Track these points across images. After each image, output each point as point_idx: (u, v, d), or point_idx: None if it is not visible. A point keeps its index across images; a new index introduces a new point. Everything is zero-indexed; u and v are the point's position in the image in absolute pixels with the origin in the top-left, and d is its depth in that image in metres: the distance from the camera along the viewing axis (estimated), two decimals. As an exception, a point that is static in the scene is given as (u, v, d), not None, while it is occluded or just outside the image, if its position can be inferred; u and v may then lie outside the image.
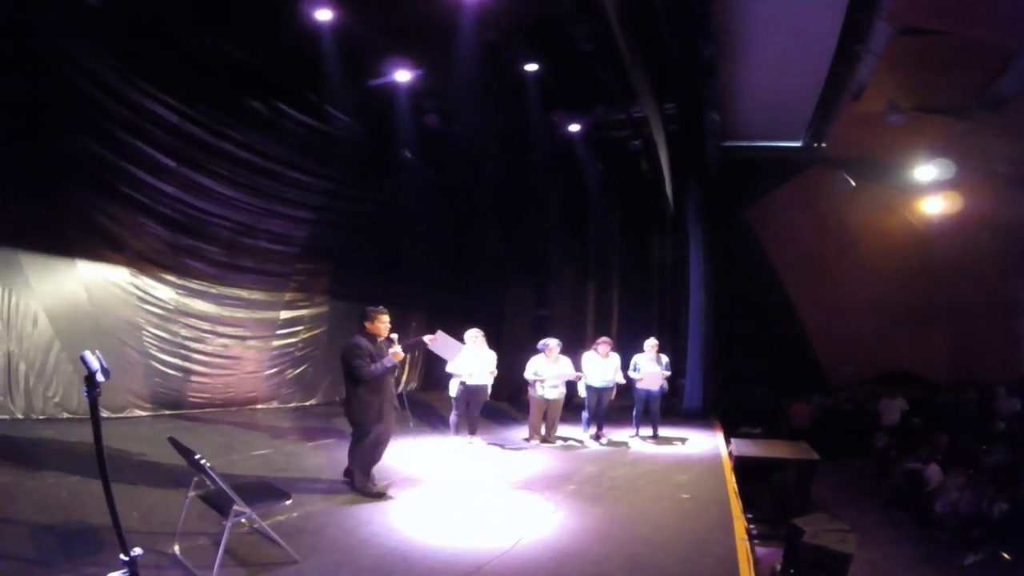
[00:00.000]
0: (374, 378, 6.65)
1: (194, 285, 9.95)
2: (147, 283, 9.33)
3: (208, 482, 4.64)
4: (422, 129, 12.45)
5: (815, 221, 17.01)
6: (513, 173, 14.43)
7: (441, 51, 9.92)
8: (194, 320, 9.98)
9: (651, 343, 11.25)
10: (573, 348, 11.04)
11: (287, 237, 11.25)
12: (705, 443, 11.28)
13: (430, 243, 14.42)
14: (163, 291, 9.54)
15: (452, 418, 10.08)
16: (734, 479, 8.74)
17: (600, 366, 10.63)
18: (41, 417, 7.98)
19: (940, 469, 11.44)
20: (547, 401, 10.37)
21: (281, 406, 11.44)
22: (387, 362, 6.72)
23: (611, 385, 10.72)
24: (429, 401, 13.24)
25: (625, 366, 10.98)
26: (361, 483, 6.86)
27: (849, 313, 17.07)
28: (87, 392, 3.24)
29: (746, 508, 7.74)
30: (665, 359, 11.34)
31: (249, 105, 10.04)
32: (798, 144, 15.85)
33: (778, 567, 7.90)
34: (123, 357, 8.93)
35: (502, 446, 10.23)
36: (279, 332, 11.45)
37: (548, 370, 10.28)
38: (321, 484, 7.12)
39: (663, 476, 8.62)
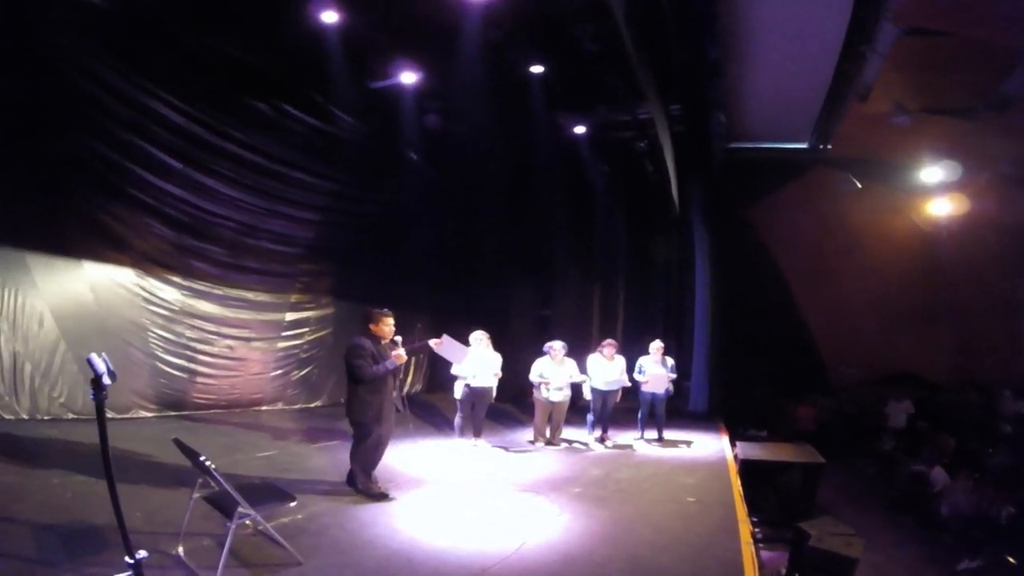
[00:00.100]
0: (374, 379, 6.67)
1: (199, 286, 9.98)
2: (152, 284, 9.36)
3: (212, 483, 4.64)
4: (426, 130, 12.44)
5: (820, 222, 16.96)
6: (518, 174, 14.41)
7: (446, 52, 9.91)
8: (199, 321, 10.00)
9: (656, 345, 11.23)
10: (578, 350, 11.01)
11: (291, 238, 11.26)
12: (710, 446, 11.26)
13: (435, 244, 14.41)
14: (168, 292, 9.56)
15: (457, 420, 10.06)
16: (739, 482, 8.72)
17: (605, 368, 10.61)
18: (46, 417, 8.01)
19: (945, 472, 11.41)
20: (552, 403, 10.35)
21: (286, 407, 11.45)
22: (389, 364, 6.74)
23: (616, 387, 10.69)
24: (433, 403, 13.23)
25: (630, 368, 10.95)
26: (363, 484, 6.87)
27: (853, 314, 17.02)
28: (93, 395, 3.23)
29: (751, 511, 7.72)
30: (671, 361, 11.32)
31: (253, 106, 10.06)
32: (803, 145, 15.79)
33: (783, 571, 7.90)
34: (128, 358, 8.95)
35: (507, 448, 10.21)
36: (284, 334, 11.46)
37: (553, 372, 10.26)
38: (325, 486, 7.12)
39: (668, 479, 8.61)
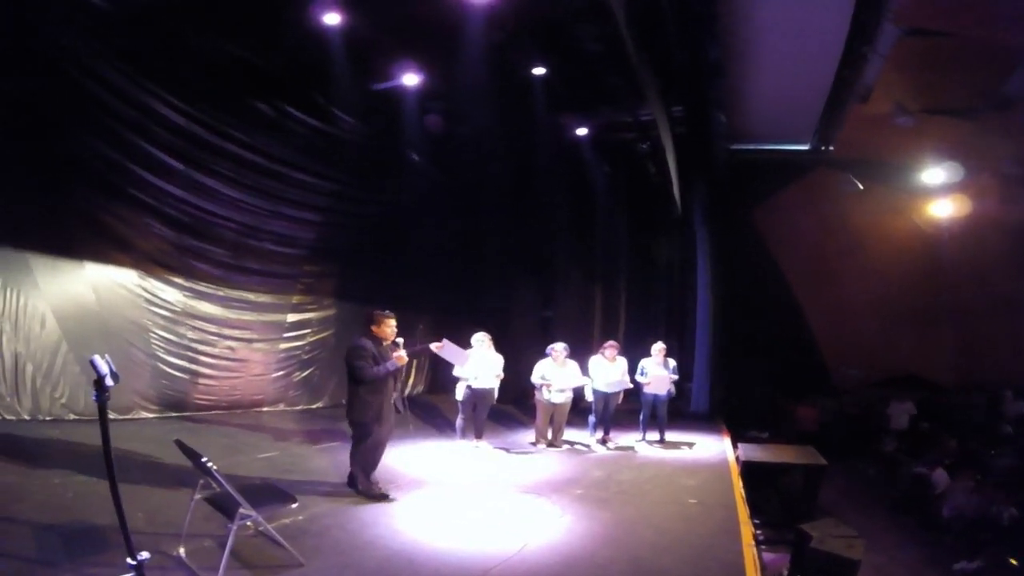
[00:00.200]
0: (375, 380, 6.69)
1: (201, 287, 9.98)
2: (154, 285, 9.36)
3: (214, 484, 4.63)
4: (429, 131, 12.44)
5: (822, 223, 16.95)
6: (519, 175, 14.42)
7: (448, 53, 9.91)
8: (201, 322, 10.00)
9: (658, 347, 11.23)
10: (580, 351, 11.01)
11: (293, 239, 11.26)
12: (712, 447, 11.26)
13: (436, 245, 14.40)
14: (170, 293, 9.56)
15: (458, 421, 10.06)
16: (741, 484, 8.71)
17: (607, 370, 10.61)
18: (48, 418, 8.01)
19: (947, 473, 11.39)
20: (554, 405, 10.35)
21: (287, 408, 11.45)
22: (390, 365, 6.77)
23: (618, 389, 10.68)
24: (435, 404, 13.23)
25: (632, 370, 10.95)
26: (364, 485, 6.88)
27: (855, 315, 16.99)
28: (96, 396, 3.23)
29: (753, 513, 7.72)
30: (672, 363, 11.32)
31: (255, 106, 10.05)
32: (805, 146, 15.82)
33: (785, 572, 7.88)
34: (130, 359, 8.95)
35: (508, 450, 10.21)
36: (286, 335, 11.46)
37: (555, 374, 10.25)
38: (327, 487, 7.11)
39: (670, 480, 8.60)
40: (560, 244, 16.00)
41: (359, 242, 12.37)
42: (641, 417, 11.34)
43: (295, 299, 11.60)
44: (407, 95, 11.33)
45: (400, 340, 7.02)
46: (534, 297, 15.87)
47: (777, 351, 17.21)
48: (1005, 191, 14.06)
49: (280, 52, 9.79)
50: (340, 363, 7.18)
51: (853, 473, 14.03)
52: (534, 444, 10.58)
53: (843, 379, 17.52)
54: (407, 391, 13.61)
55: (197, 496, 4.92)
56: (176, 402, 9.70)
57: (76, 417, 8.20)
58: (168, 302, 9.54)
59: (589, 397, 10.73)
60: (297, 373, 11.69)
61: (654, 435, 11.34)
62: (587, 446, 10.67)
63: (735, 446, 11.28)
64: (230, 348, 10.46)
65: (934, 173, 14.17)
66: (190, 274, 9.82)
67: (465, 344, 9.84)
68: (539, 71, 10.97)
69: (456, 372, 9.68)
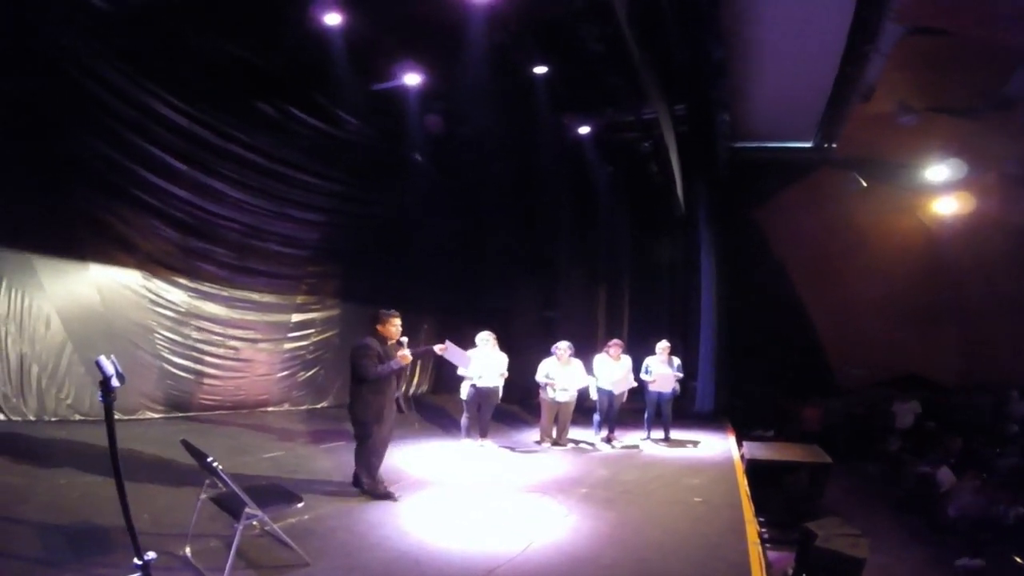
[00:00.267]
0: (378, 378, 6.72)
1: (205, 288, 9.98)
2: (159, 286, 9.36)
3: (220, 484, 4.64)
4: (431, 132, 12.44)
5: (825, 222, 16.90)
6: (522, 175, 14.42)
7: (450, 53, 9.91)
8: (206, 323, 10.01)
9: (663, 345, 11.23)
10: (584, 350, 11.01)
11: (297, 240, 11.27)
12: (717, 446, 11.25)
13: (440, 245, 14.40)
14: (175, 294, 9.56)
15: (463, 421, 10.08)
16: (746, 482, 8.70)
17: (611, 368, 10.61)
18: (53, 419, 8.01)
19: (951, 472, 11.36)
20: (558, 404, 10.36)
21: (292, 409, 11.45)
22: (394, 364, 6.81)
23: (624, 389, 10.69)
24: (440, 404, 13.24)
25: (636, 368, 10.95)
26: (369, 485, 6.89)
27: (859, 314, 16.94)
28: (102, 397, 3.24)
29: (758, 511, 7.69)
30: (677, 361, 11.32)
31: (258, 107, 10.07)
32: (808, 145, 15.79)
33: (790, 571, 7.86)
34: (135, 359, 8.95)
35: (513, 449, 10.22)
36: (290, 335, 11.46)
37: (559, 373, 10.26)
38: (332, 487, 7.13)
39: (675, 479, 8.60)
40: (563, 244, 16.00)
41: (363, 243, 12.38)
42: (646, 416, 11.35)
43: (299, 299, 11.60)
44: (409, 96, 11.31)
45: (404, 339, 7.04)
46: (538, 297, 15.87)
47: (781, 350, 17.19)
48: (1008, 190, 14.02)
49: (282, 53, 9.79)
50: (344, 363, 7.20)
51: (858, 473, 14.00)
52: (539, 443, 10.59)
53: (848, 379, 17.48)
54: (412, 391, 13.61)
55: (203, 496, 4.93)
56: (181, 402, 9.71)
57: (81, 418, 8.20)
58: (173, 303, 9.55)
59: (594, 396, 10.73)
60: (301, 373, 11.70)
61: (659, 434, 11.34)
62: (592, 445, 10.68)
63: (740, 445, 11.27)
64: (235, 348, 10.46)
65: (937, 171, 14.13)
66: (194, 275, 9.82)
67: (469, 344, 9.86)
68: (541, 71, 10.96)
69: (461, 371, 9.69)
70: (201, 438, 6.87)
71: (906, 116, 12.42)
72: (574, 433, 10.89)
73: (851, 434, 15.70)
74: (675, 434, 11.51)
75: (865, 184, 15.32)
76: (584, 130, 13.45)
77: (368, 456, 6.88)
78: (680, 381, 11.41)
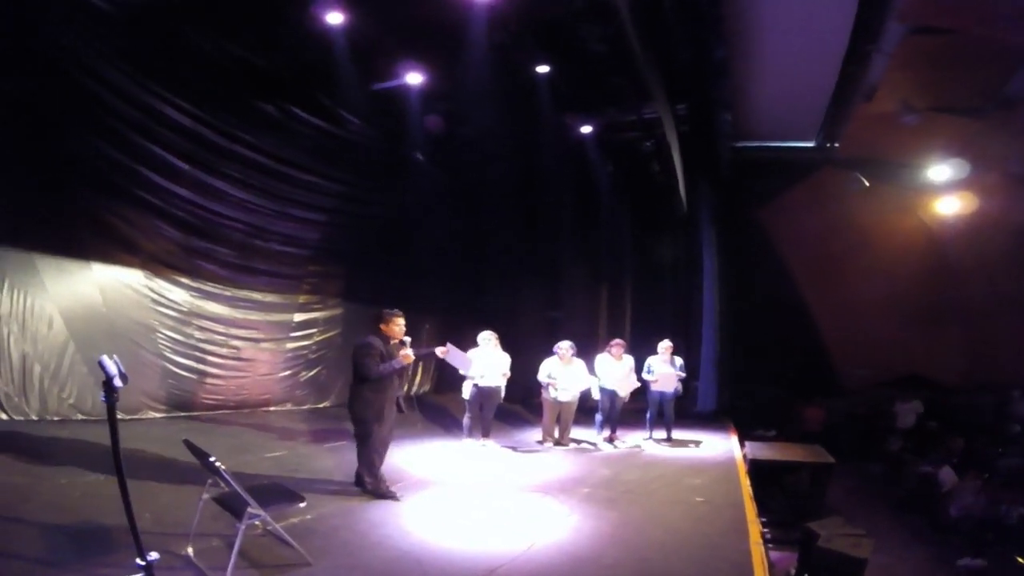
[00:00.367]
0: (380, 377, 6.73)
1: (208, 287, 9.99)
2: (161, 285, 9.37)
3: (222, 484, 4.65)
4: (434, 132, 12.44)
5: (827, 222, 16.88)
6: (524, 175, 14.43)
7: (452, 53, 9.92)
8: (208, 322, 10.02)
9: (665, 345, 11.23)
10: (586, 350, 11.01)
11: (300, 239, 11.28)
12: (719, 446, 11.25)
13: (442, 245, 14.42)
14: (177, 293, 9.57)
15: (465, 420, 10.08)
16: (748, 482, 8.70)
17: (613, 368, 10.61)
18: (55, 418, 8.02)
19: (953, 472, 11.35)
20: (560, 404, 10.36)
21: (294, 408, 11.47)
22: (396, 364, 6.81)
23: (629, 391, 10.70)
24: (442, 403, 13.24)
25: (639, 368, 10.95)
26: (371, 484, 6.89)
27: (862, 314, 16.92)
28: (104, 397, 3.24)
29: (760, 511, 7.69)
30: (679, 361, 11.32)
31: (260, 107, 10.07)
32: (811, 145, 15.78)
33: (792, 571, 7.85)
34: (137, 359, 8.96)
35: (515, 449, 10.23)
36: (293, 334, 11.47)
37: (561, 373, 10.26)
38: (334, 486, 7.13)
39: (677, 479, 8.60)
40: (565, 243, 16.00)
41: (365, 242, 12.39)
42: (648, 415, 11.35)
43: (301, 299, 11.61)
44: (412, 96, 11.33)
45: (408, 339, 7.05)
46: (540, 296, 15.86)
47: (783, 350, 17.17)
48: (1011, 190, 14.00)
49: (284, 53, 9.82)
50: (347, 362, 7.20)
51: (860, 472, 13.98)
52: (541, 443, 10.59)
53: (850, 379, 17.47)
54: (414, 390, 13.61)
55: (205, 496, 4.93)
56: (183, 402, 9.72)
57: (84, 417, 8.22)
58: (175, 302, 9.55)
59: (596, 396, 10.73)
60: (304, 373, 11.70)
61: (661, 433, 11.33)
62: (594, 445, 10.68)
63: (742, 444, 11.26)
64: (237, 348, 10.47)
65: (940, 170, 14.10)
66: (197, 274, 9.83)
67: (471, 344, 9.87)
68: (543, 70, 10.96)
69: (463, 369, 9.68)
70: (203, 437, 6.87)
71: (908, 116, 12.40)
72: (576, 433, 10.88)
73: (853, 434, 15.66)
74: (677, 434, 11.51)
75: (867, 184, 15.29)
76: (586, 130, 13.45)
77: (369, 455, 6.88)
78: (682, 381, 11.41)
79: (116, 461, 3.34)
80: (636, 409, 11.62)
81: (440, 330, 14.43)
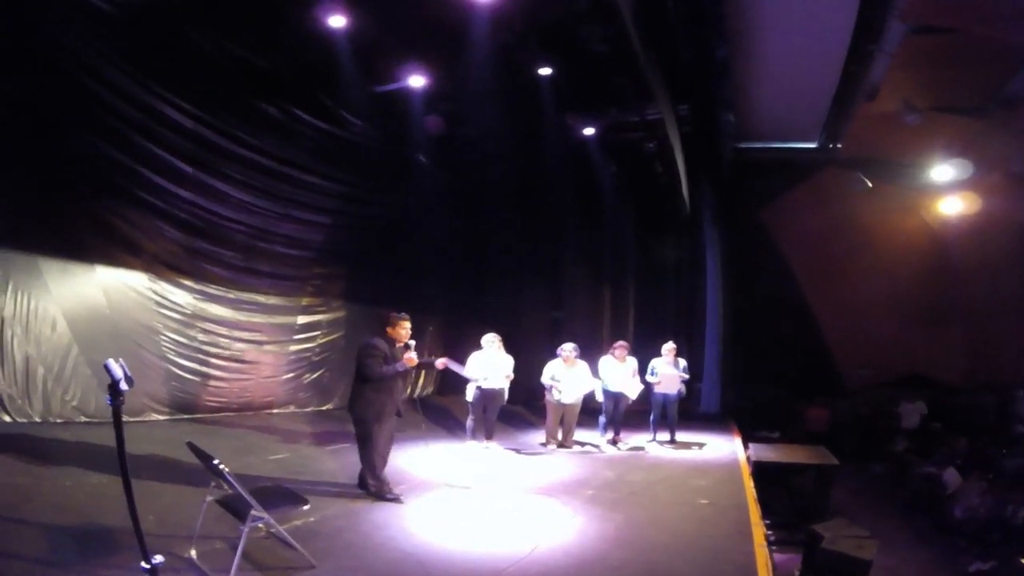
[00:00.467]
0: (382, 378, 6.73)
1: (211, 290, 9.98)
2: (164, 288, 9.36)
3: (225, 486, 4.64)
4: (436, 132, 12.44)
5: (831, 222, 16.88)
6: (527, 176, 14.41)
7: (454, 54, 9.91)
8: (211, 324, 10.01)
9: (669, 347, 11.23)
10: (589, 352, 10.99)
11: (303, 241, 11.27)
12: (723, 447, 11.24)
13: (444, 246, 14.43)
14: (180, 295, 9.56)
15: (468, 422, 10.07)
16: (752, 484, 8.68)
17: (617, 370, 10.59)
18: (58, 420, 8.01)
19: (958, 473, 11.33)
20: (564, 406, 10.34)
21: (298, 410, 11.45)
22: (399, 366, 6.82)
23: (635, 394, 10.69)
24: (445, 405, 13.23)
25: (642, 370, 10.94)
26: (374, 486, 6.89)
27: (865, 315, 16.93)
28: (110, 400, 3.23)
29: (764, 513, 7.68)
30: (683, 362, 11.32)
31: (263, 109, 10.07)
32: (813, 145, 15.77)
33: (796, 573, 7.84)
34: (141, 361, 8.94)
35: (519, 451, 10.22)
36: (296, 337, 11.46)
37: (565, 375, 10.24)
38: (337, 488, 7.13)
39: (681, 481, 8.59)
40: (568, 244, 16.00)
41: (368, 244, 12.38)
42: (652, 417, 11.34)
43: (305, 301, 11.60)
44: (414, 97, 11.31)
45: (412, 343, 7.04)
46: (543, 297, 15.86)
47: (786, 351, 17.18)
48: (1013, 190, 13.99)
49: (286, 54, 9.81)
50: (350, 365, 7.20)
51: (864, 474, 13.97)
52: (544, 445, 10.58)
53: (853, 379, 17.46)
54: (417, 392, 13.60)
55: (208, 498, 4.92)
56: (187, 404, 9.71)
57: (87, 419, 8.20)
58: (178, 304, 9.55)
59: (599, 398, 10.71)
60: (307, 375, 11.69)
61: (665, 435, 11.33)
62: (597, 447, 10.66)
63: (746, 446, 11.25)
64: (240, 350, 10.45)
65: (942, 170, 14.08)
66: (200, 277, 9.83)
67: (474, 345, 9.86)
68: (545, 71, 10.95)
69: (466, 373, 9.68)
70: (206, 440, 6.87)
71: (911, 115, 12.39)
72: (580, 435, 10.86)
73: (857, 435, 15.66)
74: (681, 436, 11.50)
75: (870, 184, 15.28)
76: (588, 130, 13.42)
77: (371, 457, 6.87)
78: (686, 382, 11.39)
79: (121, 464, 3.33)
80: (639, 411, 11.60)
81: (443, 331, 14.44)
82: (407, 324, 7.05)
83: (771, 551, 6.65)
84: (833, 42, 10.99)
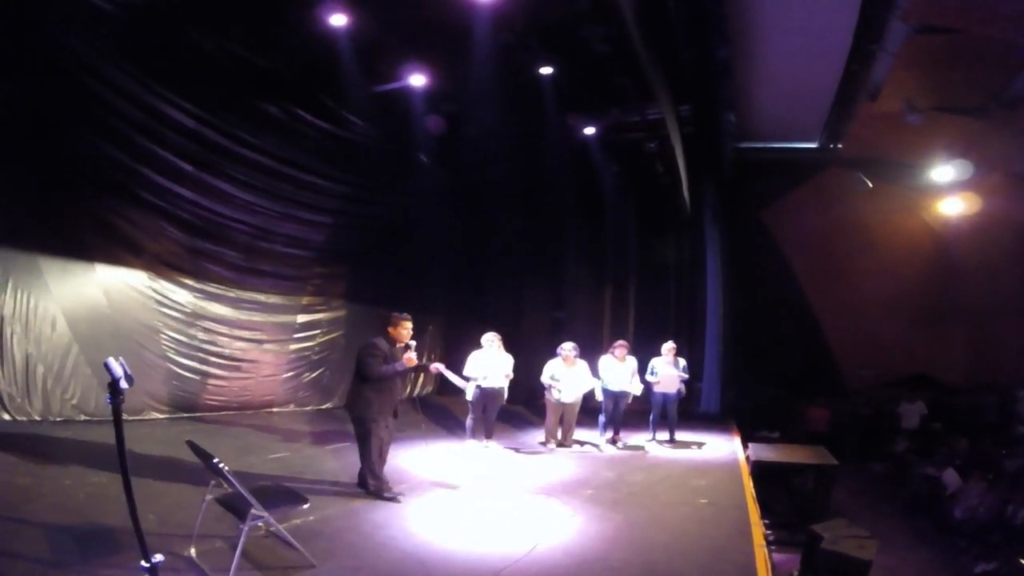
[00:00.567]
0: (381, 378, 6.73)
1: (212, 289, 10.01)
2: (165, 287, 9.39)
3: (225, 485, 4.64)
4: (437, 132, 12.44)
5: (832, 222, 16.87)
6: (528, 175, 14.40)
7: (456, 54, 9.91)
8: (212, 324, 10.03)
9: (669, 346, 11.22)
10: (590, 351, 10.98)
11: (304, 241, 11.28)
12: (722, 447, 11.23)
13: (446, 246, 14.44)
14: (181, 295, 9.59)
15: (468, 422, 10.06)
16: (752, 484, 8.68)
17: (617, 369, 10.59)
18: (59, 419, 8.04)
19: (957, 474, 11.33)
20: (563, 405, 10.33)
21: (298, 409, 11.47)
22: (398, 366, 6.82)
23: (629, 393, 10.68)
24: (445, 405, 13.23)
25: (642, 370, 10.93)
26: (374, 485, 6.89)
27: (867, 315, 16.91)
28: (110, 399, 3.23)
29: (764, 513, 7.68)
30: (683, 362, 11.31)
31: (265, 109, 10.06)
32: (814, 145, 15.75)
33: (796, 573, 7.85)
34: (141, 360, 8.97)
35: (518, 450, 10.21)
36: (296, 336, 11.48)
37: (565, 374, 10.23)
38: (338, 488, 7.13)
39: (681, 481, 8.58)
40: (569, 244, 15.98)
41: (369, 243, 12.40)
42: (651, 417, 11.33)
43: (305, 300, 11.62)
44: (416, 97, 11.31)
45: (413, 343, 7.04)
46: (543, 297, 15.86)
47: (787, 351, 17.17)
48: (1014, 190, 13.98)
49: (287, 54, 9.81)
50: (350, 364, 7.21)
51: (864, 474, 13.98)
52: (544, 444, 10.57)
53: (854, 379, 17.45)
54: (417, 391, 13.60)
55: (208, 497, 4.92)
56: (187, 403, 9.73)
57: (87, 418, 8.23)
58: (179, 304, 9.57)
59: (599, 397, 10.71)
60: (307, 374, 11.71)
61: (664, 435, 11.31)
62: (597, 446, 10.65)
63: (745, 446, 11.25)
64: (241, 349, 10.48)
65: (943, 171, 14.07)
66: (201, 276, 9.85)
67: (475, 344, 9.86)
68: (547, 71, 10.95)
69: (466, 372, 9.68)
70: (207, 439, 6.85)
71: (912, 115, 12.37)
72: (579, 434, 10.85)
73: (858, 435, 15.65)
74: (680, 435, 11.49)
75: (871, 184, 15.26)
76: (590, 130, 13.42)
77: (371, 456, 6.86)
78: (685, 382, 11.39)
79: (122, 463, 3.33)
80: (639, 411, 11.60)
81: (443, 331, 14.45)
82: (408, 324, 7.05)
83: (771, 551, 6.66)
84: (834, 42, 10.96)
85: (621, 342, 10.90)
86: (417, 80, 10.78)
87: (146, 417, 9.11)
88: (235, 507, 4.65)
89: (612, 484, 8.25)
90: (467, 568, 5.17)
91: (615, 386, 10.56)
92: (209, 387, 10.05)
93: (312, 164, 10.86)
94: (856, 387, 17.39)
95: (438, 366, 8.49)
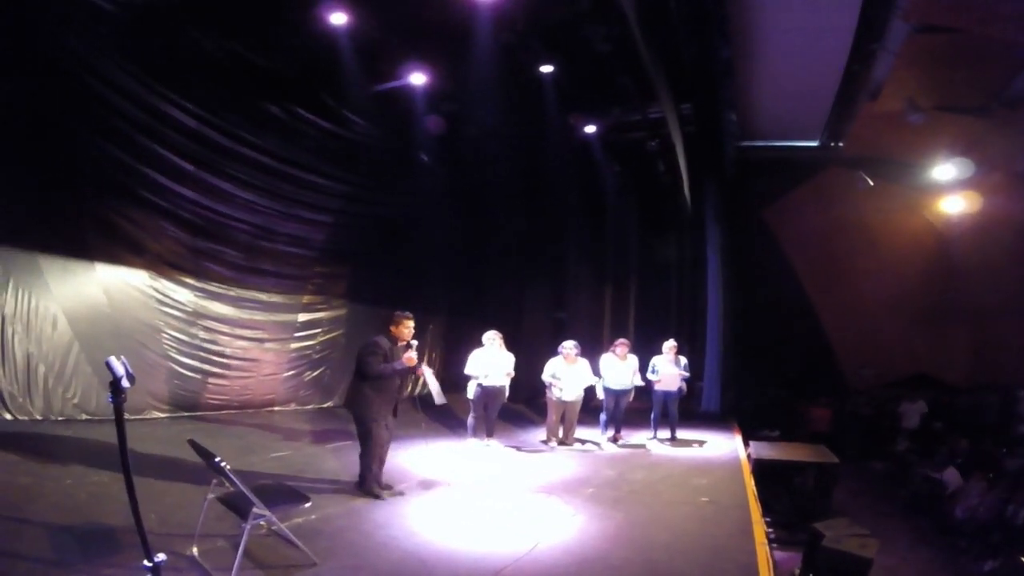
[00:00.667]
0: (380, 376, 6.75)
1: (213, 288, 10.01)
2: (166, 286, 9.40)
3: (227, 484, 4.64)
4: (439, 132, 12.44)
5: (833, 221, 16.86)
6: (529, 175, 14.41)
7: (457, 53, 9.91)
8: (212, 323, 10.04)
9: (669, 344, 11.21)
10: (591, 350, 10.98)
11: (305, 240, 11.29)
12: (724, 446, 11.22)
13: (447, 245, 14.43)
14: (182, 294, 9.59)
15: (469, 420, 10.06)
16: (753, 482, 8.68)
17: (618, 368, 10.59)
18: (60, 418, 8.05)
19: (958, 473, 11.32)
20: (564, 403, 10.33)
21: (299, 408, 11.48)
22: (398, 365, 6.82)
23: (629, 387, 10.67)
24: (445, 403, 13.21)
25: (643, 368, 10.93)
26: (374, 484, 6.89)
27: (868, 314, 16.92)
28: (112, 398, 3.23)
29: (765, 512, 7.67)
30: (684, 361, 11.29)
31: (266, 109, 10.08)
32: (815, 144, 15.73)
33: (797, 571, 7.84)
34: (142, 359, 8.98)
35: (519, 448, 10.21)
36: (297, 335, 11.49)
37: (566, 372, 10.23)
38: (339, 486, 7.12)
39: (682, 479, 8.58)
40: (570, 243, 15.99)
41: (370, 243, 12.41)
42: (652, 415, 11.32)
43: (306, 299, 11.63)
44: (417, 96, 11.32)
45: (414, 343, 7.04)
46: (545, 296, 15.86)
47: (788, 350, 17.17)
48: (1016, 189, 13.96)
49: (288, 54, 9.81)
50: (351, 363, 7.21)
51: (865, 473, 13.97)
52: (545, 443, 10.57)
53: (855, 379, 17.45)
54: (418, 390, 13.60)
55: (210, 496, 4.93)
56: (188, 402, 9.74)
57: (88, 417, 8.24)
58: (180, 303, 9.58)
59: (600, 395, 10.70)
60: (308, 373, 11.72)
61: (665, 433, 11.30)
62: (598, 444, 10.65)
63: (747, 444, 11.24)
64: (242, 348, 10.49)
65: (945, 170, 14.05)
66: (202, 275, 9.86)
67: (476, 343, 9.86)
68: (548, 70, 10.95)
69: (467, 370, 9.68)
70: (208, 438, 6.87)
71: (914, 114, 12.36)
72: (581, 433, 10.85)
73: (858, 434, 15.65)
74: (681, 434, 11.48)
75: (872, 183, 15.25)
76: (591, 130, 13.43)
77: (371, 456, 6.87)
78: (687, 381, 11.38)
79: (124, 462, 3.34)
80: (641, 409, 11.59)
81: (444, 330, 14.47)
82: (410, 323, 7.07)
83: (772, 549, 6.65)
84: (835, 41, 10.95)
85: (622, 340, 10.90)
86: (418, 79, 10.80)
87: (147, 416, 9.12)
88: (237, 506, 4.66)
89: (613, 482, 8.24)
90: (468, 567, 5.17)
91: (616, 384, 10.56)
92: (210, 386, 10.06)
93: (313, 163, 10.88)
94: (857, 387, 17.39)
95: (424, 369, 8.43)
